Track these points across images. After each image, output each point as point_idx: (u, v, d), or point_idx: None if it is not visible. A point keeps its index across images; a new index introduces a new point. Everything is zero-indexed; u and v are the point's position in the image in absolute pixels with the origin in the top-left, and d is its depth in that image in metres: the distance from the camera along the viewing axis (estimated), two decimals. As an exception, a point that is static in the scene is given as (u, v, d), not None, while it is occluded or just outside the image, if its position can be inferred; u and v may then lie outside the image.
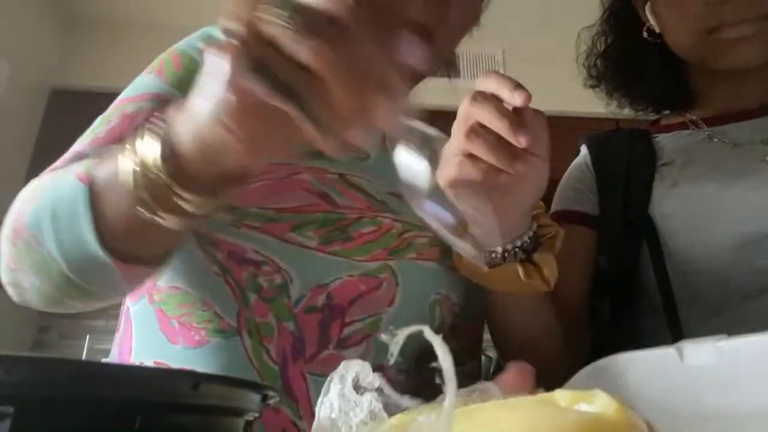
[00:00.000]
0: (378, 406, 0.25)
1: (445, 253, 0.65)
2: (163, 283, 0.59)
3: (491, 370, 0.73)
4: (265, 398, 0.31)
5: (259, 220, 0.58)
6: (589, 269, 0.70)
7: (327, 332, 0.57)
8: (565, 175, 0.81)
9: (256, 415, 0.32)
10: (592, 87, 0.85)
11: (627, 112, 0.85)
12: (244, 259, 0.57)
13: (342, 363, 0.27)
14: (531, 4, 2.92)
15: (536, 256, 0.54)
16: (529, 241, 0.54)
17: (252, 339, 0.56)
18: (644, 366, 0.38)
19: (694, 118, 0.75)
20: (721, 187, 0.63)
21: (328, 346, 0.57)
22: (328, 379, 0.27)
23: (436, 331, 0.70)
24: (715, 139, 0.71)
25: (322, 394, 0.27)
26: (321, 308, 0.58)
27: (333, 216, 0.61)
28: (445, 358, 0.19)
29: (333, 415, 0.25)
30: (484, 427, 0.21)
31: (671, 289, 0.60)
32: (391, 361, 0.21)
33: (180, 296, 0.58)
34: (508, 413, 0.21)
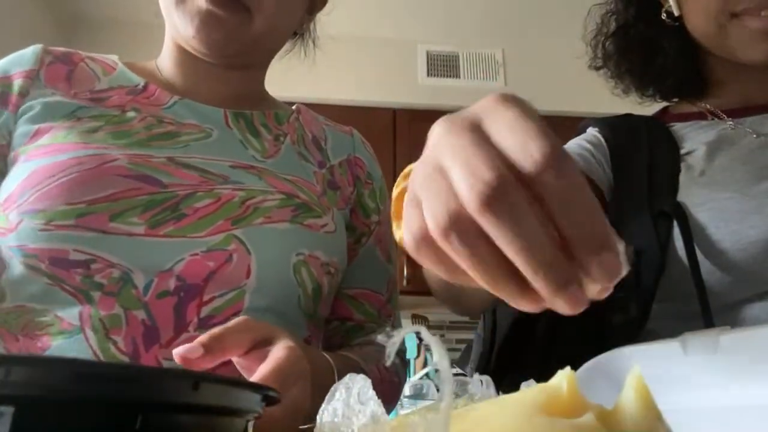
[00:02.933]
0: (381, 410, 0.25)
1: (300, 213, 0.62)
2: (6, 304, 0.56)
3: (475, 367, 0.71)
4: (265, 398, 0.31)
5: (71, 217, 0.53)
6: None
7: (183, 315, 0.54)
8: (573, 142, 0.76)
9: (257, 415, 0.32)
10: (597, 68, 0.81)
11: (631, 99, 0.81)
12: (69, 262, 0.53)
13: (347, 375, 0.27)
14: (531, 4, 2.92)
15: None
16: None
17: (96, 334, 0.53)
18: (648, 358, 0.38)
19: (712, 108, 0.73)
20: (751, 179, 0.62)
21: (187, 329, 0.54)
22: (332, 389, 0.27)
23: (313, 295, 0.62)
24: (734, 129, 0.69)
25: (325, 401, 0.27)
26: (174, 291, 0.55)
27: (159, 197, 0.57)
28: (441, 358, 0.19)
29: (336, 420, 0.26)
30: (477, 425, 0.21)
31: (703, 280, 0.58)
32: (388, 362, 0.21)
33: (22, 311, 0.55)
34: (498, 410, 0.22)
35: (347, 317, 0.73)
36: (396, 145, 2.92)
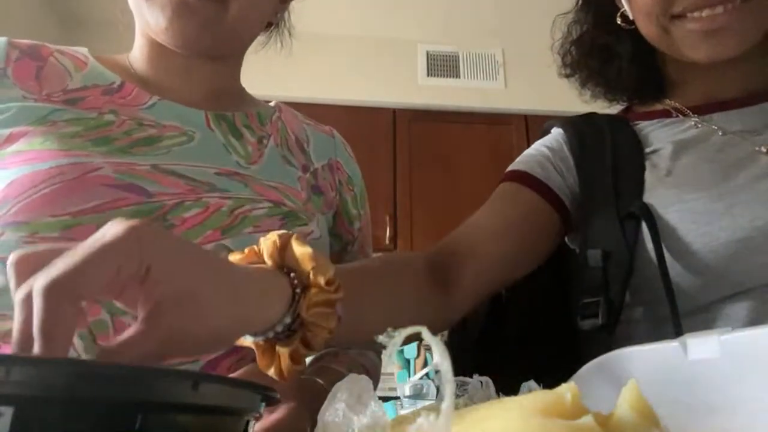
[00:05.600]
0: (381, 411, 0.25)
1: (288, 222, 0.62)
2: None
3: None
4: (265, 398, 0.31)
5: (56, 229, 0.52)
6: (525, 237, 0.67)
7: None
8: (533, 147, 0.76)
9: (257, 415, 0.32)
10: (567, 76, 0.82)
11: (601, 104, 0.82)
12: None
13: (348, 377, 0.27)
14: (531, 4, 2.92)
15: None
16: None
17: (83, 341, 0.52)
18: (648, 360, 0.38)
19: (677, 105, 0.73)
20: (718, 178, 0.61)
21: None
22: (333, 390, 0.27)
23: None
24: (700, 126, 0.69)
25: (327, 401, 0.27)
26: None
27: (146, 207, 0.56)
28: (442, 360, 0.19)
29: (337, 420, 0.26)
30: (476, 425, 0.21)
31: (671, 282, 0.58)
32: (390, 363, 0.21)
33: (5, 319, 0.53)
34: (498, 411, 0.22)
35: None
36: (396, 145, 2.92)
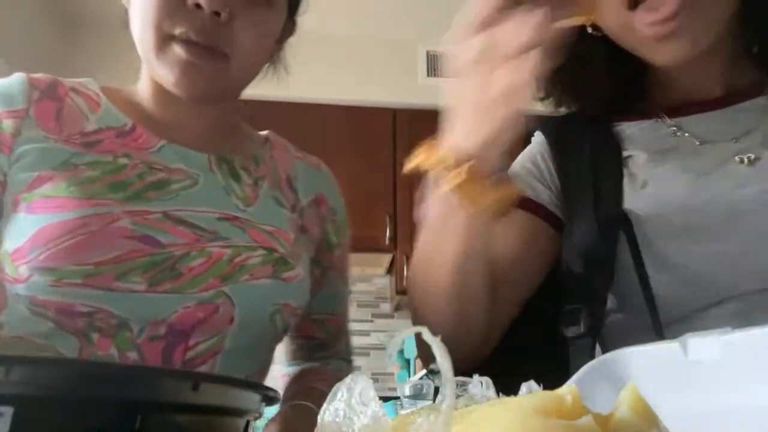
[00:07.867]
0: (381, 411, 0.25)
1: (278, 268, 0.69)
2: (4, 333, 0.61)
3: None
4: (265, 398, 0.31)
5: (79, 276, 0.59)
6: (524, 261, 0.67)
7: (171, 357, 0.62)
8: (517, 162, 0.76)
9: (257, 415, 0.32)
10: (541, 99, 0.78)
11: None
12: (74, 312, 0.59)
13: (349, 376, 0.27)
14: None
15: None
16: None
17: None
18: (648, 360, 0.38)
19: (655, 108, 0.71)
20: (693, 190, 0.61)
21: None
22: (334, 389, 0.27)
23: (282, 333, 0.74)
24: (678, 134, 0.68)
25: (327, 401, 0.27)
26: (164, 335, 0.61)
27: (158, 257, 0.63)
28: (443, 361, 0.19)
29: (337, 419, 0.26)
30: (476, 425, 0.21)
31: (652, 292, 0.58)
32: (388, 362, 0.21)
33: (22, 341, 0.60)
34: (498, 411, 0.22)
35: (312, 336, 0.85)
36: (396, 145, 2.93)
